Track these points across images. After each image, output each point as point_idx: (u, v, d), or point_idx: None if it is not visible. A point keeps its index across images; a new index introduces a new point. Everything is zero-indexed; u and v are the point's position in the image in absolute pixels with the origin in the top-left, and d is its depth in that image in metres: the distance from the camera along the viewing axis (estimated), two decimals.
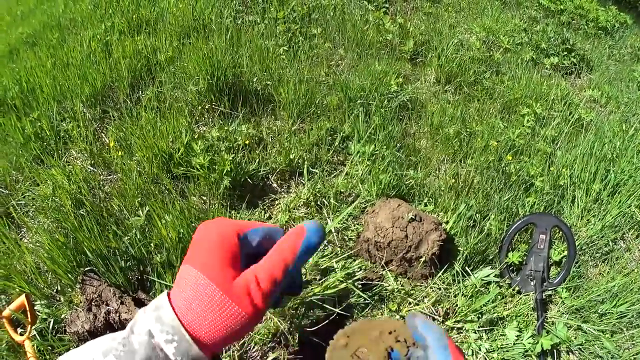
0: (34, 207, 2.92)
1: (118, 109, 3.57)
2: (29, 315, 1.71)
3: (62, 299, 2.47)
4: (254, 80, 3.85)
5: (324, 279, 2.58)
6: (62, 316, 2.37)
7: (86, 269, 2.47)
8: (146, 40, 4.42)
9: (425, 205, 3.22)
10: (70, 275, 2.46)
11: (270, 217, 2.97)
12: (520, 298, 2.94)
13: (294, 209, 3.00)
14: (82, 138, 3.31)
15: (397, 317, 2.65)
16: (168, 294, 0.56)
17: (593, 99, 5.34)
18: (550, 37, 6.01)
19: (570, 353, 2.79)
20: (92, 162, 3.22)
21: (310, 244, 0.61)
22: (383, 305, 2.70)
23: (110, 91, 3.79)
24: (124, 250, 2.54)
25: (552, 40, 5.97)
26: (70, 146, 3.37)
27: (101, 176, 3.14)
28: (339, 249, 2.84)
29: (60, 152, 3.31)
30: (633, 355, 2.79)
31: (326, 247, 2.82)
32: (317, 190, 3.05)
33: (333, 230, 2.88)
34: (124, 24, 4.77)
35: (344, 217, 2.95)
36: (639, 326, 2.94)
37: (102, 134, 3.45)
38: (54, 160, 3.16)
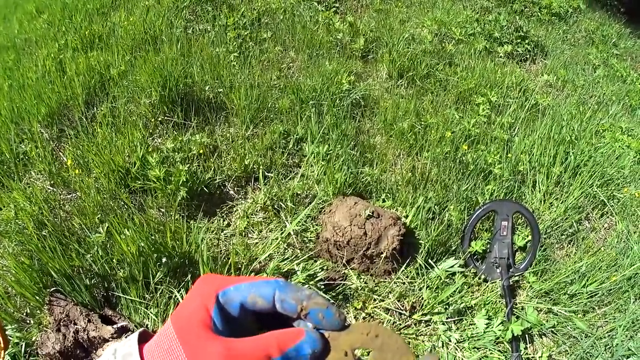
0: None
1: (74, 127, 3.61)
2: (1, 341, 1.76)
3: (31, 321, 2.52)
4: (206, 88, 3.90)
5: None
6: (33, 339, 2.43)
7: (52, 289, 2.52)
8: (99, 55, 4.45)
9: (384, 201, 3.27)
10: (37, 297, 2.50)
11: (229, 225, 3.04)
12: (487, 286, 2.99)
13: (252, 215, 3.07)
14: (40, 159, 3.34)
15: (363, 314, 2.74)
16: (141, 348, 0.54)
17: (549, 84, 5.42)
18: (503, 25, 6.04)
19: (543, 336, 2.86)
20: (52, 182, 3.25)
21: (301, 349, 0.54)
22: (348, 304, 2.76)
23: (66, 110, 3.82)
24: (87, 268, 2.60)
25: (505, 29, 6.01)
26: (30, 167, 3.39)
27: (61, 195, 3.18)
28: (299, 251, 2.90)
29: (20, 174, 3.33)
30: (607, 332, 2.86)
31: (286, 250, 2.89)
32: (273, 194, 3.12)
33: (292, 233, 2.94)
34: (77, 40, 4.79)
35: (302, 219, 3.01)
36: (611, 303, 3.02)
37: (60, 153, 3.49)
38: (14, 183, 3.18)
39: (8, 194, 3.11)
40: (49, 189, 3.22)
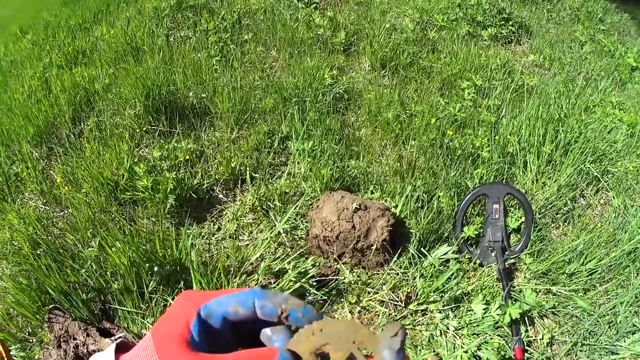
0: None
1: (62, 144, 3.64)
2: None
3: (33, 340, 2.56)
4: (190, 94, 3.93)
5: (277, 282, 2.67)
6: (36, 357, 2.47)
7: (51, 306, 2.56)
8: (83, 71, 4.48)
9: (372, 192, 3.27)
10: (37, 316, 2.55)
11: (219, 228, 3.07)
12: (483, 271, 2.96)
13: (241, 217, 3.10)
14: (32, 179, 3.38)
15: (358, 308, 2.76)
16: (118, 358, 0.57)
17: (536, 64, 5.38)
18: (485, 9, 5.94)
19: (544, 318, 2.84)
20: (44, 200, 3.29)
21: None
22: (342, 299, 2.76)
23: (54, 127, 3.86)
24: (83, 283, 2.63)
25: (487, 12, 5.92)
26: (22, 188, 3.43)
27: (54, 213, 3.22)
28: (289, 249, 2.92)
29: (13, 195, 3.37)
30: (609, 309, 2.83)
31: (277, 250, 2.90)
32: (261, 194, 3.14)
33: (282, 232, 2.96)
34: (61, 57, 4.83)
35: (290, 218, 3.03)
36: (612, 279, 3.00)
37: (51, 171, 3.53)
38: (8, 205, 3.22)
39: (2, 216, 3.14)
40: (41, 207, 3.26)
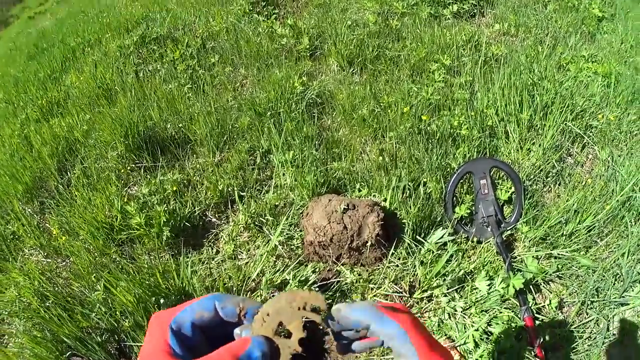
0: (6, 313, 3.03)
1: (53, 196, 3.71)
2: None
3: None
4: (167, 126, 4.01)
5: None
6: None
7: (68, 354, 2.63)
8: (61, 121, 4.54)
9: (359, 190, 3.30)
10: None
11: (218, 251, 3.13)
12: (482, 247, 2.95)
13: (237, 237, 3.16)
14: (29, 235, 3.44)
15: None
16: None
17: (502, 33, 5.39)
18: None
19: (550, 282, 2.85)
20: (45, 254, 3.35)
21: (251, 353, 0.62)
22: (347, 299, 2.77)
23: (41, 182, 3.92)
24: (95, 326, 2.70)
25: None
26: (21, 245, 3.49)
27: (56, 264, 3.28)
28: (288, 260, 2.97)
29: (13, 254, 3.42)
30: (613, 261, 2.84)
31: (276, 262, 2.95)
32: (252, 211, 3.20)
33: (277, 244, 3.01)
34: (37, 111, 4.89)
35: (284, 229, 3.07)
36: (611, 232, 3.02)
37: (47, 224, 3.59)
38: (10, 264, 3.28)
39: (7, 276, 3.20)
40: (43, 260, 3.32)
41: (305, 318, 0.68)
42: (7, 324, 3.05)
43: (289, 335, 0.67)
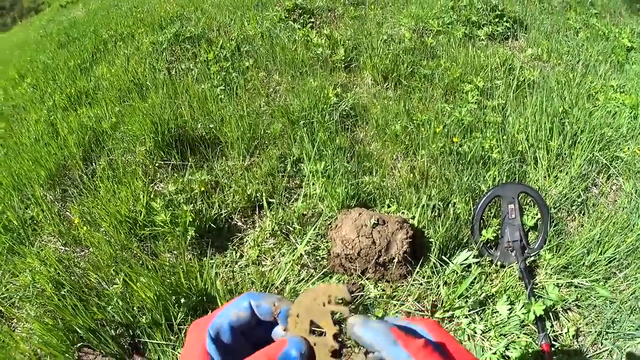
0: (18, 297, 2.98)
1: (76, 185, 3.67)
2: None
3: None
4: (198, 126, 3.97)
5: None
6: None
7: (79, 344, 2.58)
8: (89, 111, 4.52)
9: (388, 206, 3.28)
10: (67, 355, 2.54)
11: (242, 256, 3.07)
12: (505, 271, 2.95)
13: (262, 242, 3.11)
14: (48, 221, 3.40)
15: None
16: None
17: (534, 57, 5.41)
18: (478, 8, 6.00)
19: (568, 311, 2.85)
20: (63, 242, 3.30)
21: (288, 354, 0.61)
22: (370, 314, 2.73)
23: (65, 169, 3.89)
24: (110, 320, 2.64)
25: (481, 11, 5.98)
26: (39, 231, 3.44)
27: (74, 253, 3.23)
28: (313, 270, 2.93)
29: (31, 239, 3.38)
30: (630, 294, 2.86)
31: (301, 271, 2.92)
32: (279, 219, 3.16)
33: (303, 254, 2.97)
34: (65, 99, 4.87)
35: (311, 239, 3.04)
36: (630, 265, 3.01)
37: (67, 213, 3.55)
38: (26, 248, 3.23)
39: (22, 259, 3.15)
40: (61, 249, 3.27)
41: (333, 312, 0.67)
42: (17, 308, 2.99)
43: (322, 333, 0.66)
